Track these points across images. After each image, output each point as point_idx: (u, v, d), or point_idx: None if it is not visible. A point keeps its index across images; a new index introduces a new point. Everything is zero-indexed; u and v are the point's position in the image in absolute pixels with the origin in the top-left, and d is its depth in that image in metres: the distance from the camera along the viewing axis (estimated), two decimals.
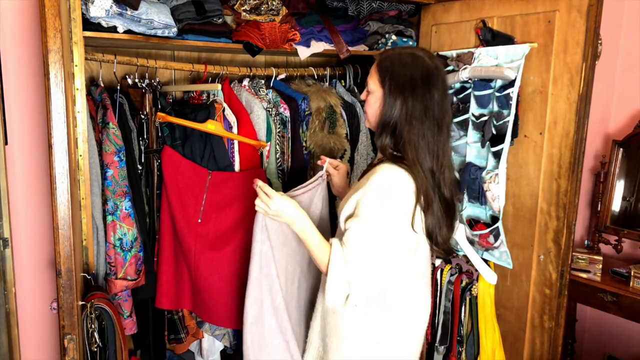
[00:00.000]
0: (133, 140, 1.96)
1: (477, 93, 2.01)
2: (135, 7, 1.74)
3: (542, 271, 2.00)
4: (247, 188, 2.02)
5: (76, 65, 1.67)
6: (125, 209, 1.87)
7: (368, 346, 1.53)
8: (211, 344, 2.23)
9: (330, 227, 1.82)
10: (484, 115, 2.02)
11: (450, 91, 2.14)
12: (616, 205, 2.68)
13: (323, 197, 1.76)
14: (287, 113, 2.21)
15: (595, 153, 2.82)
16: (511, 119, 1.91)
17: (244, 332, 1.68)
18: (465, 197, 2.09)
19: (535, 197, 1.99)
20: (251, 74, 2.27)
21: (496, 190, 1.96)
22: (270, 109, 2.18)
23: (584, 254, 2.59)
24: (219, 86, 2.09)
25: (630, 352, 2.76)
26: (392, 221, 1.41)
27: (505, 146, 1.93)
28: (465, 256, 2.15)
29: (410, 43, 2.42)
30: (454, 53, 2.15)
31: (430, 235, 1.46)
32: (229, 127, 2.04)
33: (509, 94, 1.90)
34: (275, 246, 1.64)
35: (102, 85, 1.98)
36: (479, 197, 2.04)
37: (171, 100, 2.23)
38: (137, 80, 2.04)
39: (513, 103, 1.90)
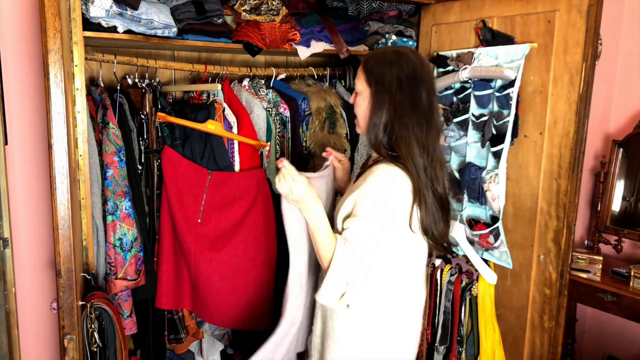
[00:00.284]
0: (133, 140, 1.96)
1: (477, 93, 2.01)
2: (135, 7, 1.74)
3: (542, 271, 2.00)
4: (247, 188, 2.02)
5: (76, 65, 1.67)
6: (125, 209, 1.87)
7: (364, 348, 1.53)
8: (211, 344, 2.23)
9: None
10: (484, 115, 2.02)
11: (450, 91, 2.14)
12: (616, 205, 2.68)
13: (332, 188, 1.73)
14: (287, 113, 2.21)
15: (595, 153, 2.82)
16: (511, 119, 1.91)
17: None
18: (465, 197, 2.09)
19: (535, 197, 1.99)
20: (251, 74, 2.27)
21: (496, 190, 1.96)
22: (270, 109, 2.18)
23: (584, 254, 2.59)
24: (219, 86, 2.09)
25: (630, 352, 2.76)
26: (390, 221, 1.41)
27: (505, 146, 1.93)
28: (465, 256, 2.15)
29: (410, 43, 2.42)
30: (454, 53, 2.15)
31: (426, 231, 1.45)
32: (229, 127, 2.04)
33: (509, 94, 1.90)
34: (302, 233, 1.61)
35: (102, 85, 1.98)
36: (479, 197, 2.04)
37: (171, 100, 2.23)
38: (137, 80, 2.04)
39: (513, 103, 1.90)
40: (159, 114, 1.94)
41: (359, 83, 1.51)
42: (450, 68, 2.16)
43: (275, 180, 1.47)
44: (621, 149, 2.65)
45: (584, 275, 2.46)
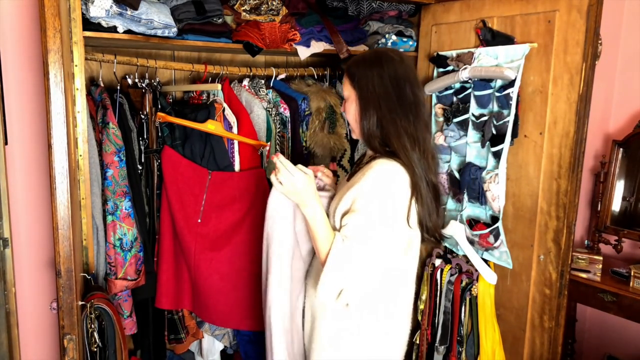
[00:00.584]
0: (133, 140, 1.96)
1: (477, 93, 2.01)
2: (135, 7, 1.74)
3: (542, 271, 2.00)
4: (247, 188, 2.02)
5: (76, 65, 1.67)
6: (125, 209, 1.87)
7: (352, 350, 1.53)
8: (211, 344, 2.23)
9: None
10: (484, 115, 2.02)
11: (450, 91, 2.14)
12: (616, 205, 2.68)
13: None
14: (287, 113, 2.21)
15: (595, 153, 2.82)
16: (511, 119, 1.91)
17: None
18: (465, 197, 2.09)
19: (535, 197, 1.99)
20: (251, 74, 2.27)
21: (496, 190, 1.96)
22: (270, 109, 2.18)
23: (584, 254, 2.59)
24: (219, 86, 2.09)
25: (630, 352, 2.76)
26: (390, 215, 1.41)
27: (505, 146, 1.93)
28: (465, 256, 2.15)
29: (410, 43, 2.42)
30: (454, 53, 2.15)
31: (421, 223, 1.47)
32: (229, 127, 2.04)
33: (509, 94, 1.90)
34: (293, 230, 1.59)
35: (102, 85, 1.98)
36: (479, 197, 2.04)
37: (171, 100, 2.23)
38: (137, 80, 2.04)
39: (513, 103, 1.90)
40: (159, 114, 1.94)
41: (345, 89, 1.55)
42: (450, 68, 2.16)
43: (271, 178, 1.47)
44: (621, 149, 2.65)
45: (584, 275, 2.46)
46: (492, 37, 2.04)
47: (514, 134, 1.98)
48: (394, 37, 2.38)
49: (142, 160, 2.01)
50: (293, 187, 1.44)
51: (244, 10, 2.02)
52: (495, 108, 1.99)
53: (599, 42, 2.51)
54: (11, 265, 1.86)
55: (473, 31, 2.13)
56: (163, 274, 2.01)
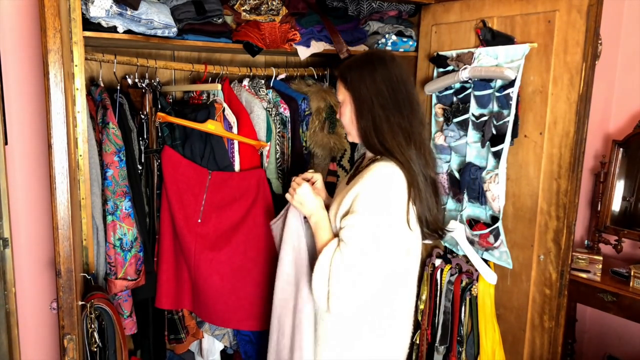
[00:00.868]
0: (133, 140, 1.96)
1: (477, 93, 2.01)
2: (135, 7, 1.74)
3: (542, 271, 2.00)
4: (247, 188, 2.02)
5: (76, 65, 1.67)
6: (125, 209, 1.87)
7: (353, 352, 1.53)
8: (211, 344, 2.23)
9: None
10: (484, 115, 2.02)
11: (450, 91, 2.14)
12: (616, 205, 2.68)
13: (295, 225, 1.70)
14: (287, 113, 2.21)
15: (595, 153, 2.82)
16: (511, 119, 1.91)
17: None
18: (465, 197, 2.09)
19: (535, 197, 1.99)
20: (251, 74, 2.27)
21: (496, 190, 1.96)
22: (270, 109, 2.18)
23: (584, 254, 2.59)
24: (219, 86, 2.09)
25: (630, 352, 2.76)
26: (390, 217, 1.41)
27: (505, 146, 1.93)
28: (465, 256, 2.15)
29: (410, 43, 2.42)
30: (454, 53, 2.15)
31: (420, 219, 1.47)
32: (229, 127, 2.04)
33: (509, 94, 1.90)
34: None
35: (102, 85, 1.98)
36: (479, 197, 2.04)
37: (171, 100, 2.23)
38: (137, 80, 2.04)
39: (513, 103, 1.90)
40: (159, 114, 1.94)
41: (339, 93, 1.55)
42: (450, 68, 2.16)
43: (287, 196, 1.59)
44: (621, 149, 2.65)
45: (584, 275, 2.46)
46: (492, 37, 2.04)
47: (514, 134, 1.98)
48: (394, 37, 2.38)
49: (142, 160, 2.01)
50: (299, 196, 1.55)
51: (244, 10, 2.02)
52: (495, 108, 1.99)
53: (599, 42, 2.51)
54: (11, 265, 1.86)
55: (473, 31, 2.13)
56: (163, 274, 2.01)
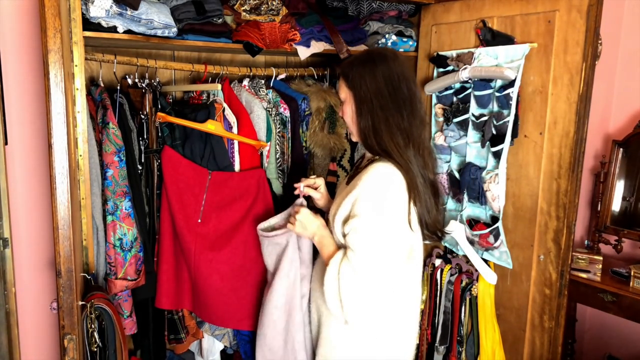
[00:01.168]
0: (133, 140, 1.96)
1: (477, 93, 2.01)
2: (135, 7, 1.74)
3: (542, 271, 2.00)
4: (247, 188, 2.02)
5: (76, 65, 1.67)
6: (125, 209, 1.87)
7: (360, 350, 1.53)
8: (211, 344, 2.23)
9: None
10: (484, 115, 2.02)
11: (450, 91, 2.14)
12: (616, 205, 2.68)
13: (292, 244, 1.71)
14: (287, 113, 2.21)
15: (595, 153, 2.82)
16: (511, 119, 1.91)
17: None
18: (465, 197, 2.09)
19: (535, 197, 1.99)
20: (251, 74, 2.26)
21: (496, 190, 1.96)
22: (270, 109, 2.18)
23: (584, 254, 2.59)
24: (219, 86, 2.09)
25: (630, 352, 2.76)
26: (391, 217, 1.41)
27: (505, 146, 1.93)
28: (465, 256, 2.15)
29: (410, 43, 2.42)
30: (454, 53, 2.15)
31: (420, 221, 1.47)
32: (229, 127, 2.04)
33: (509, 94, 1.90)
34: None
35: (102, 85, 1.98)
36: (479, 197, 2.04)
37: (171, 100, 2.23)
38: (137, 80, 2.04)
39: (513, 103, 1.90)
40: (159, 114, 1.94)
41: (341, 92, 1.55)
42: (450, 68, 2.16)
43: (289, 225, 1.62)
44: (621, 149, 2.65)
45: (584, 275, 2.46)
46: (492, 37, 2.04)
47: (514, 134, 1.98)
48: (394, 37, 2.38)
49: (142, 160, 2.01)
50: (301, 223, 1.58)
51: (244, 10, 2.02)
52: (495, 108, 1.99)
53: (599, 42, 2.51)
54: (11, 265, 1.86)
55: (473, 31, 2.13)
56: (163, 274, 2.01)
